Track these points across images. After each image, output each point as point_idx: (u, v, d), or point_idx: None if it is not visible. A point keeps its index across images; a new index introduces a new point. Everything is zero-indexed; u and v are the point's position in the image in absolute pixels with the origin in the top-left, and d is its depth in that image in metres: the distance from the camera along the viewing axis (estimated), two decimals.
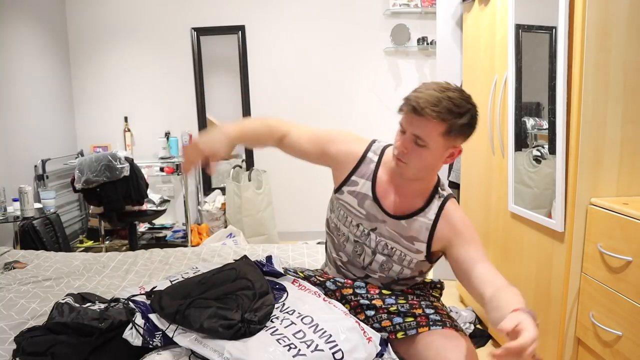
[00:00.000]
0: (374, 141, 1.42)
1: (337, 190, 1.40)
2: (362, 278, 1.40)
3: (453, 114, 1.14)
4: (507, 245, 2.05)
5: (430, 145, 1.18)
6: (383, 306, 1.32)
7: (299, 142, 1.41)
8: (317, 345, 1.03)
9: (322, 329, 1.09)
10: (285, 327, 1.10)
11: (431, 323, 1.25)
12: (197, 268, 1.56)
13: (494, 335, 2.25)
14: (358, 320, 1.19)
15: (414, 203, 1.31)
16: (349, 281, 1.39)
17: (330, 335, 1.07)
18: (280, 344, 1.05)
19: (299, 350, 1.02)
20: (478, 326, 2.41)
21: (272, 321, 1.14)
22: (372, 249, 1.35)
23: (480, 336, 2.32)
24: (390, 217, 1.32)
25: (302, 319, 1.12)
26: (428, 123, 1.15)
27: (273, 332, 1.09)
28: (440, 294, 1.48)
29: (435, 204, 1.30)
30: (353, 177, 1.36)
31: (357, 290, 1.39)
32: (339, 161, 1.38)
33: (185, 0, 3.94)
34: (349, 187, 1.36)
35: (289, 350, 1.02)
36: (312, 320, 1.10)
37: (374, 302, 1.36)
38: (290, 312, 1.16)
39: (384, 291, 1.38)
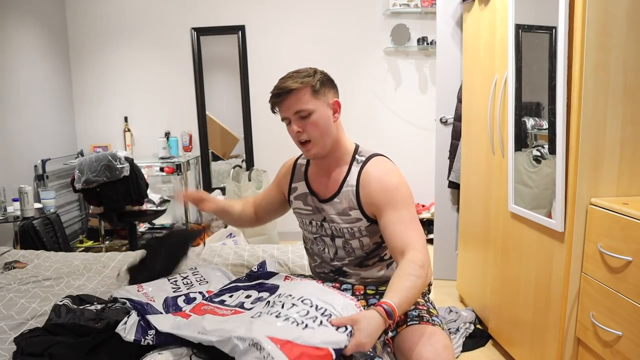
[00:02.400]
0: None
1: (289, 202, 1.57)
2: (338, 272, 1.47)
3: (306, 76, 1.33)
4: (507, 245, 2.05)
5: (312, 109, 1.32)
6: (366, 307, 1.34)
7: (265, 196, 1.68)
8: (321, 321, 1.03)
9: (322, 307, 1.07)
10: (288, 309, 1.08)
11: (409, 320, 1.27)
12: (195, 269, 1.56)
13: (494, 335, 2.25)
14: (353, 298, 1.18)
15: (338, 178, 1.41)
16: (337, 284, 1.45)
17: (331, 315, 1.05)
18: (286, 322, 1.03)
19: (306, 324, 1.01)
20: (478, 326, 2.41)
21: (272, 306, 1.12)
22: (329, 237, 1.44)
23: (480, 336, 2.32)
24: (326, 202, 1.43)
25: (302, 300, 1.10)
26: (296, 94, 1.32)
27: (277, 315, 1.07)
28: (429, 290, 1.52)
29: (355, 170, 1.39)
30: (292, 185, 1.54)
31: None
32: (283, 182, 1.59)
33: (185, 0, 3.94)
34: (293, 194, 1.53)
35: (297, 325, 1.01)
36: (312, 302, 1.09)
37: (359, 301, 1.37)
38: (288, 296, 1.14)
39: (368, 291, 1.44)
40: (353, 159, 1.42)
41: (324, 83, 1.36)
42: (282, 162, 1.65)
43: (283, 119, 1.38)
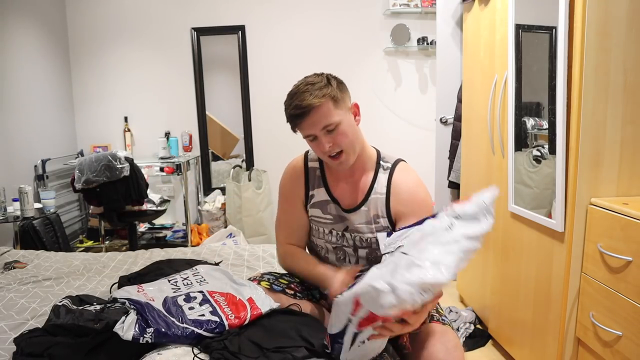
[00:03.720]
0: (307, 152, 1.47)
1: (305, 211, 1.45)
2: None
3: (323, 87, 1.25)
4: (507, 245, 2.05)
5: (338, 120, 1.25)
6: None
7: (294, 225, 1.47)
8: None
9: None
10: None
11: None
12: (196, 269, 1.56)
13: (494, 335, 2.25)
14: None
15: (364, 185, 1.37)
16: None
17: None
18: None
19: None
20: (478, 326, 2.41)
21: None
22: (352, 248, 1.39)
23: (480, 336, 2.32)
24: (351, 211, 1.37)
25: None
26: (320, 109, 1.23)
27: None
28: None
29: (383, 177, 1.36)
30: (310, 192, 1.43)
31: None
32: (297, 191, 1.44)
33: (185, 1, 3.94)
34: (310, 202, 1.43)
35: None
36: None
37: None
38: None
39: None
40: (378, 165, 1.38)
41: (341, 89, 1.29)
42: (282, 162, 1.54)
43: (306, 136, 1.29)
